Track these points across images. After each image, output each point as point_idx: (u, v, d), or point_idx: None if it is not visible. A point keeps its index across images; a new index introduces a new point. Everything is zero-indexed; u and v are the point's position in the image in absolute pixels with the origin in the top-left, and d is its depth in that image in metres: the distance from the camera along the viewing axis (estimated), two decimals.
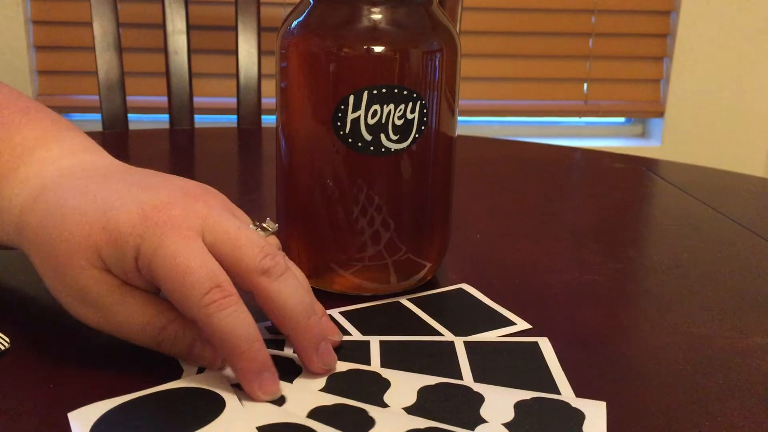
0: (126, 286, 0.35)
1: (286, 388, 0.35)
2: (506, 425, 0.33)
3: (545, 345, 0.41)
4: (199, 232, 0.35)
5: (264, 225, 0.39)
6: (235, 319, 0.33)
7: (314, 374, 0.36)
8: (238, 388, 0.35)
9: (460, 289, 0.48)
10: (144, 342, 0.36)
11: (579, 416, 0.34)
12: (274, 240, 0.39)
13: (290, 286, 0.35)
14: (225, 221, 0.35)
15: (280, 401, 0.34)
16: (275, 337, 0.40)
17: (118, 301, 0.35)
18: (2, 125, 0.41)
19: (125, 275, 0.35)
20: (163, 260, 0.33)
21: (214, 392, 0.35)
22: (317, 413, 0.33)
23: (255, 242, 0.35)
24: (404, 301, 0.46)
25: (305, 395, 0.35)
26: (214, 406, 0.33)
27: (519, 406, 0.35)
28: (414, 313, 0.44)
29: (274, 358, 0.35)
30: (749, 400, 0.37)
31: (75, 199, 0.36)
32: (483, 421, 0.33)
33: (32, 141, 0.40)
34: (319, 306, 0.39)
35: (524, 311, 0.45)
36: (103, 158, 0.41)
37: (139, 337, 0.36)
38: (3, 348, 0.38)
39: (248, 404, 0.34)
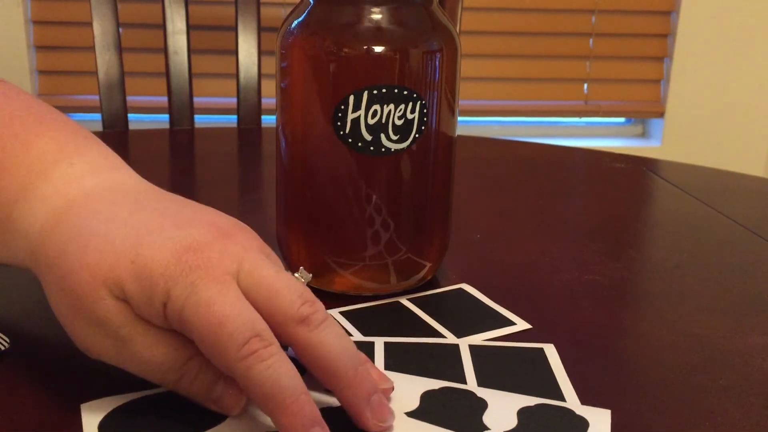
0: (145, 320, 0.33)
1: None
2: None
3: (551, 351, 0.40)
4: (234, 276, 0.32)
5: (296, 275, 0.36)
6: (276, 371, 0.30)
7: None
8: None
9: (460, 289, 0.48)
10: (162, 377, 0.33)
11: (583, 424, 0.34)
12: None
13: (332, 335, 0.32)
14: (262, 265, 0.33)
15: None
16: None
17: (137, 332, 0.32)
18: (17, 136, 0.37)
19: (146, 315, 0.32)
20: (196, 309, 0.31)
21: None
22: (325, 414, 0.33)
23: (293, 288, 0.32)
24: (404, 301, 0.46)
25: (312, 396, 0.35)
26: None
27: (522, 412, 0.34)
28: (414, 313, 0.44)
29: None
30: (749, 400, 0.37)
31: (101, 225, 0.33)
32: (486, 428, 0.33)
33: (52, 155, 0.37)
34: (361, 354, 0.35)
35: (524, 311, 0.45)
36: (129, 178, 0.38)
37: (157, 370, 0.33)
38: (3, 348, 0.38)
39: (255, 410, 0.34)
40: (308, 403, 0.31)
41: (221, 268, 0.32)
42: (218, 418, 0.33)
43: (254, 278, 0.32)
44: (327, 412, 0.33)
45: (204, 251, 0.32)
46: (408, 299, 0.46)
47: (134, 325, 0.32)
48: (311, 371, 0.32)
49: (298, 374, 0.31)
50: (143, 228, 0.33)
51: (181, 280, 0.31)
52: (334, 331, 0.32)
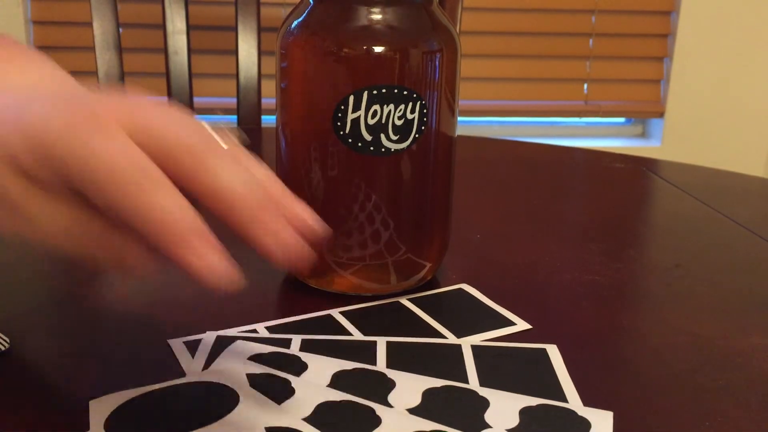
0: (44, 189, 0.32)
1: (293, 381, 0.35)
2: (510, 431, 0.33)
3: (553, 352, 0.40)
4: (123, 126, 0.31)
5: (224, 133, 0.33)
6: (159, 195, 0.29)
7: (318, 372, 0.32)
8: (252, 383, 0.35)
9: (460, 289, 0.48)
10: (70, 246, 0.32)
11: (585, 425, 0.34)
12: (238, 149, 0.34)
13: (224, 164, 0.30)
14: (153, 110, 0.31)
15: (287, 394, 0.34)
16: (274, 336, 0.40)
17: (37, 203, 0.32)
18: None
19: (44, 182, 0.31)
20: (86, 163, 0.30)
21: (230, 388, 0.35)
22: (324, 408, 0.33)
23: (184, 122, 0.31)
24: (404, 301, 0.46)
25: (312, 390, 0.35)
26: (227, 403, 0.34)
27: (524, 412, 0.34)
28: (414, 313, 0.44)
29: (278, 357, 0.34)
30: (749, 400, 0.37)
31: None
32: (487, 426, 0.33)
33: None
34: (276, 190, 0.33)
35: (524, 311, 0.45)
36: (37, 68, 0.39)
37: (63, 239, 0.32)
38: (3, 348, 0.38)
39: (263, 404, 0.34)
40: (191, 216, 0.29)
41: (107, 121, 0.31)
42: (222, 413, 0.33)
43: (142, 124, 0.31)
44: (327, 407, 0.33)
45: (89, 107, 0.31)
46: (408, 299, 0.46)
47: (32, 196, 0.32)
48: (211, 211, 0.31)
49: (187, 202, 0.30)
50: (31, 98, 0.33)
51: (67, 138, 0.30)
52: (227, 162, 0.31)
